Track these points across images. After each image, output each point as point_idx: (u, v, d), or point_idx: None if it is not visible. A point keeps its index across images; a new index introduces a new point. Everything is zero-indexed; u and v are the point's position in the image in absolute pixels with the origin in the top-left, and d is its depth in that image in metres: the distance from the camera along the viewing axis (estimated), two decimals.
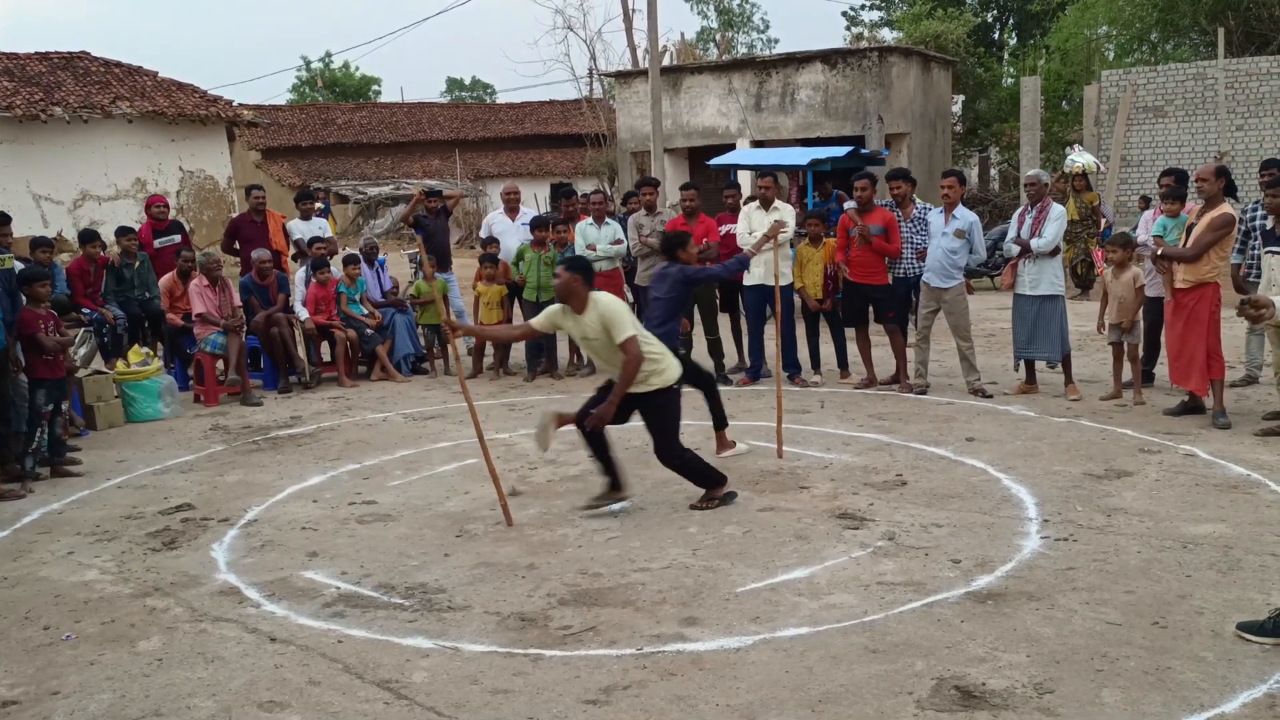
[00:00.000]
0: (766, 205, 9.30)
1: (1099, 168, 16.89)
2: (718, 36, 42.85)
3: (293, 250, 11.47)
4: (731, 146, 21.58)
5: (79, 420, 8.76)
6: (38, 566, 5.54)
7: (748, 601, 4.65)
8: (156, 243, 10.88)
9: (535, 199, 29.37)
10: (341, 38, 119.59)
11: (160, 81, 22.98)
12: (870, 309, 9.20)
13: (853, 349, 9.58)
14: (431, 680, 4.04)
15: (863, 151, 15.66)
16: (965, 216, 8.68)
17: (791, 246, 9.25)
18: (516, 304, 10.82)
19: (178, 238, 11.06)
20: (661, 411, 5.94)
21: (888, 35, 34.49)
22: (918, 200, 9.49)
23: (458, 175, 36.41)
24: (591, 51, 43.32)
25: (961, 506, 5.88)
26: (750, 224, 9.27)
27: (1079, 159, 15.24)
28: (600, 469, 6.07)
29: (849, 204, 9.66)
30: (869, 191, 9.01)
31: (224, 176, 23.22)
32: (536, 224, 10.19)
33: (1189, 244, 7.44)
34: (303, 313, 10.36)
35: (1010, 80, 29.79)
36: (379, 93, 60.49)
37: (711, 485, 6.06)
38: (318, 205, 13.54)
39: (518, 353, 11.11)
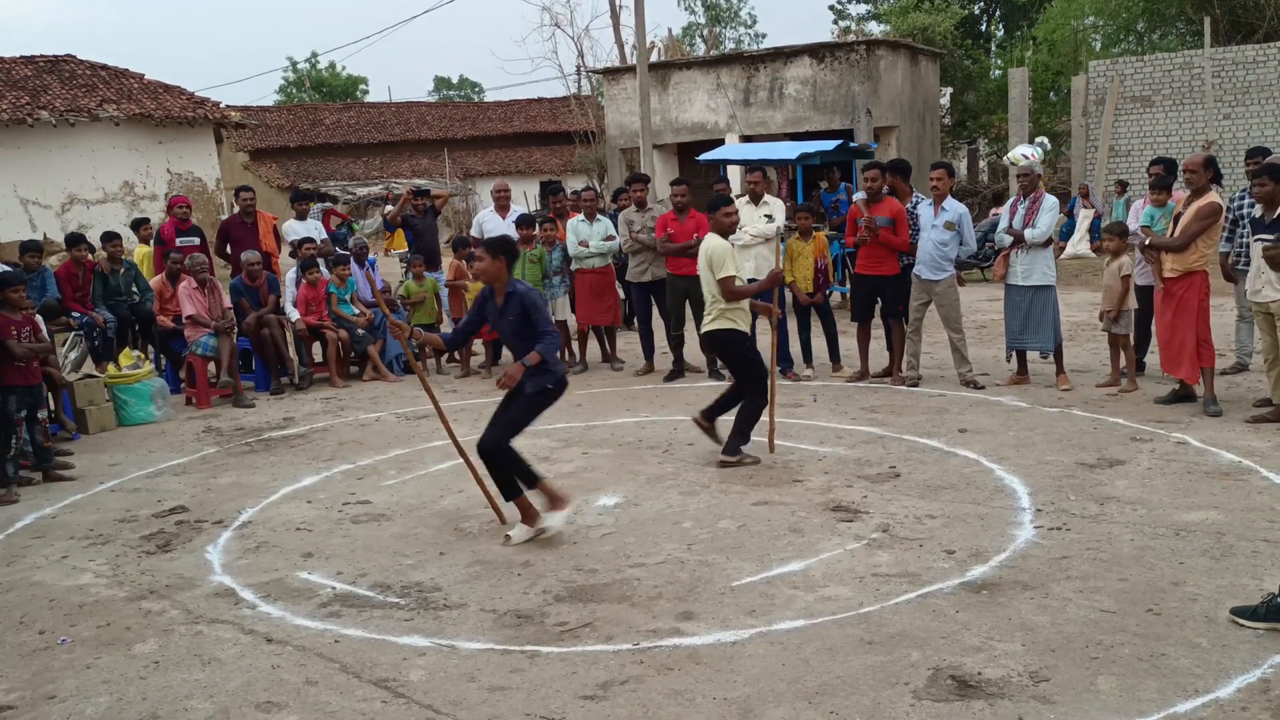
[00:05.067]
0: (756, 200, 9.30)
1: (1034, 156, 16.87)
2: (705, 32, 42.88)
3: (288, 250, 11.43)
4: (721, 142, 21.60)
5: (70, 424, 8.74)
6: (32, 571, 5.52)
7: (743, 595, 4.66)
8: (179, 241, 10.84)
9: (525, 197, 29.34)
10: (327, 38, 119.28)
11: (147, 84, 22.90)
12: (878, 302, 9.15)
13: (850, 342, 9.58)
14: (429, 678, 4.04)
15: (852, 145, 15.67)
16: (955, 208, 8.69)
17: (781, 241, 9.24)
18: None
19: (197, 240, 11.03)
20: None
21: (875, 28, 34.55)
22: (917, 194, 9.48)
23: (447, 174, 36.36)
24: (579, 48, 43.36)
25: (955, 498, 5.90)
26: (741, 218, 9.27)
27: (1019, 150, 15.28)
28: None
29: (859, 195, 9.64)
30: (879, 182, 8.92)
31: (212, 178, 23.15)
32: (522, 222, 10.17)
33: (1177, 233, 7.47)
34: (293, 314, 10.33)
35: (998, 72, 29.82)
36: (366, 92, 60.43)
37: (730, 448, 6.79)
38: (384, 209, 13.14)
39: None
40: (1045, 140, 16.80)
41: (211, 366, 9.87)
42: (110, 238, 10.74)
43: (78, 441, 8.53)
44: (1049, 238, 8.41)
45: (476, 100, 55.90)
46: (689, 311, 9.66)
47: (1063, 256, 16.59)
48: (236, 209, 11.42)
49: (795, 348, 9.76)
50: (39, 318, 8.05)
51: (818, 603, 4.53)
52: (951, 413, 7.92)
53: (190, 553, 5.67)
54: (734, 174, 18.62)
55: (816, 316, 9.68)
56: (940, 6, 28.67)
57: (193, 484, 7.09)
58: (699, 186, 13.86)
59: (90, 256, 10.47)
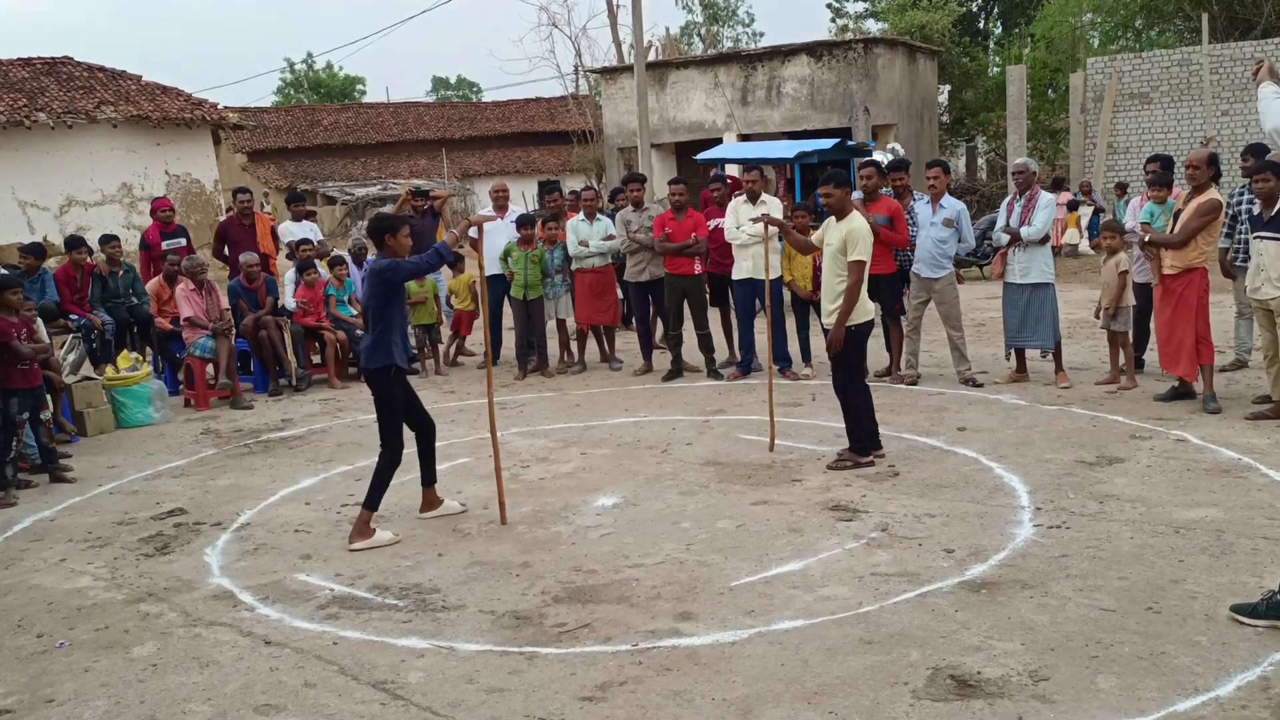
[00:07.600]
0: (754, 199, 9.29)
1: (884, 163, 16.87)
2: (703, 31, 42.87)
3: (285, 251, 11.43)
4: (718, 141, 21.59)
5: (69, 427, 8.73)
6: (30, 574, 5.51)
7: (742, 595, 4.66)
8: (164, 244, 10.84)
9: (523, 197, 29.32)
10: (325, 38, 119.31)
11: (144, 85, 22.89)
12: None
13: None
14: (427, 680, 4.03)
15: (849, 143, 15.65)
16: (953, 205, 8.69)
17: (779, 239, 9.23)
18: (478, 295, 10.78)
19: (183, 241, 11.03)
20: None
21: (873, 26, 34.53)
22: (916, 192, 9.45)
23: (445, 174, 36.36)
24: (577, 48, 43.37)
25: (954, 496, 5.89)
26: (738, 218, 9.26)
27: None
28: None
29: (854, 194, 9.60)
30: (874, 180, 8.91)
31: (210, 180, 23.14)
32: (522, 222, 10.16)
33: (1176, 230, 7.46)
34: (290, 302, 10.31)
35: (996, 69, 29.81)
36: (364, 93, 60.41)
37: (855, 448, 6.57)
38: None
39: (507, 350, 11.08)
40: (897, 146, 17.19)
41: (210, 368, 9.86)
42: (108, 240, 10.73)
43: (76, 444, 8.53)
44: (1046, 234, 8.40)
45: (474, 100, 55.85)
46: (687, 311, 9.66)
47: (1063, 253, 16.61)
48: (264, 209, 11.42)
49: (794, 347, 9.75)
50: (38, 320, 8.04)
51: (816, 602, 4.53)
52: (950, 411, 7.91)
53: (189, 555, 5.67)
54: (731, 173, 18.60)
55: (815, 315, 9.66)
56: (938, 4, 28.63)
57: (191, 486, 7.08)
58: (696, 186, 13.86)
59: (89, 259, 10.47)
